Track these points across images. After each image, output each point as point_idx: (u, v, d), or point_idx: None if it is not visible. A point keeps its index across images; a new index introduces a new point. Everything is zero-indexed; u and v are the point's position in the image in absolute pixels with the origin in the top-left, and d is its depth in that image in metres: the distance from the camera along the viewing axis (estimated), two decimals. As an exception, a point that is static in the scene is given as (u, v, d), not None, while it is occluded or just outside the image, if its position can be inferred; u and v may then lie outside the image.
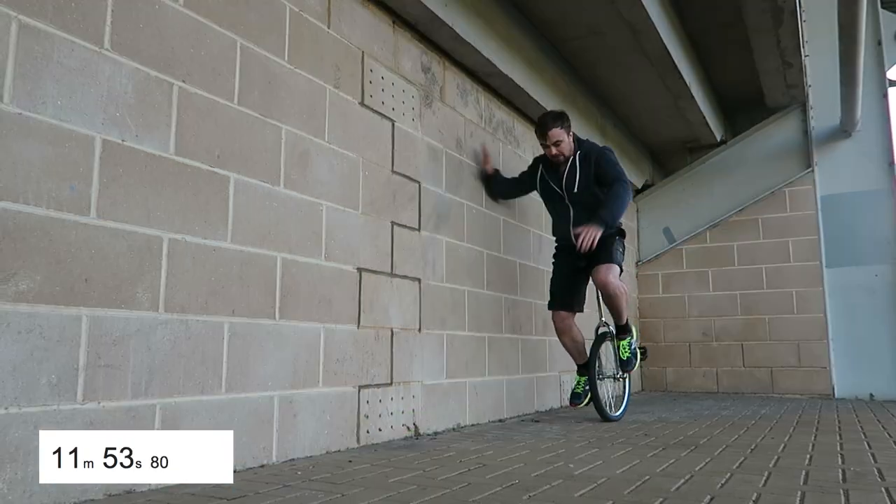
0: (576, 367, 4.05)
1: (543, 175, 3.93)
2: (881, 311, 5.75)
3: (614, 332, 3.95)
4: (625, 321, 3.85)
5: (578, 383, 3.96)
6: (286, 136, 2.55)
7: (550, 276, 4.07)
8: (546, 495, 1.83)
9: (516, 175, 4.15)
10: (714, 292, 6.43)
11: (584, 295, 3.97)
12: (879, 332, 5.74)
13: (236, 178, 2.31)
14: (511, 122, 4.50)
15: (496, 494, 1.84)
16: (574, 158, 3.79)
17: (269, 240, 2.43)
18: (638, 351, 3.99)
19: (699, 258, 6.55)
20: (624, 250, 3.88)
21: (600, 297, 3.89)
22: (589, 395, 3.84)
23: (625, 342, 3.88)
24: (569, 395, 4.02)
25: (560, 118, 3.78)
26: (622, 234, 3.87)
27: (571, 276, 3.90)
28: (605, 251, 3.71)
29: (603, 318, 3.96)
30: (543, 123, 3.77)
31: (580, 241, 3.55)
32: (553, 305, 3.94)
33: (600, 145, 3.94)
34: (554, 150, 3.75)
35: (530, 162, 4.23)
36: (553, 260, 4.07)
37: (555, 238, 4.06)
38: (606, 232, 3.64)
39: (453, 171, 3.70)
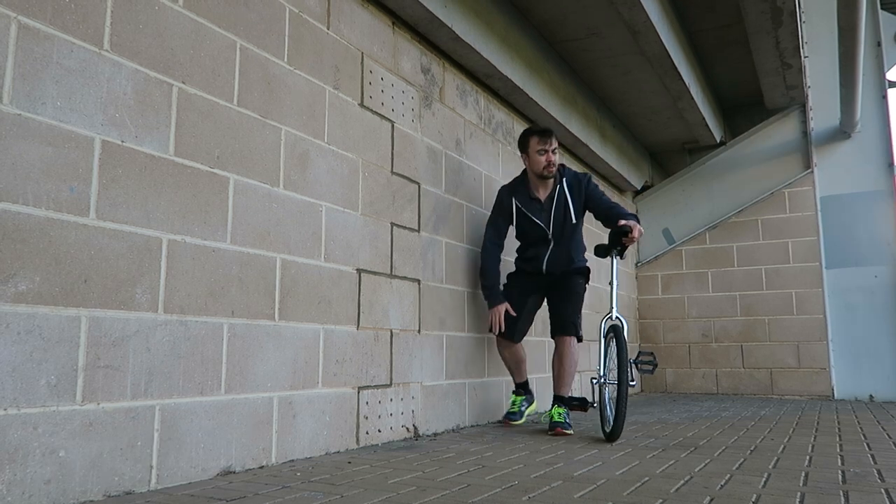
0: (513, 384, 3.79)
1: (520, 207, 3.57)
2: (881, 312, 5.76)
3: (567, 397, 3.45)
4: (568, 394, 3.45)
5: (514, 403, 3.71)
6: (286, 137, 2.55)
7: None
8: (545, 496, 1.83)
9: (492, 232, 3.67)
10: (713, 293, 6.44)
11: (532, 322, 3.73)
12: (879, 333, 5.75)
13: (236, 178, 2.31)
14: (511, 123, 4.50)
15: (496, 495, 1.84)
16: (561, 187, 3.52)
17: (268, 241, 2.43)
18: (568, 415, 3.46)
19: (699, 259, 6.56)
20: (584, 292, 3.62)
21: (554, 357, 3.51)
22: (525, 415, 3.70)
23: (562, 410, 3.38)
24: (504, 415, 3.74)
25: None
26: (588, 275, 3.64)
27: (525, 308, 3.62)
28: (574, 308, 3.47)
29: (615, 313, 3.24)
30: (547, 129, 3.53)
31: (633, 234, 3.20)
32: (501, 333, 3.57)
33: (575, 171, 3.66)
34: (553, 157, 3.47)
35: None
36: (505, 281, 3.75)
37: (518, 260, 3.75)
38: (576, 268, 3.54)
39: (453, 171, 3.70)
